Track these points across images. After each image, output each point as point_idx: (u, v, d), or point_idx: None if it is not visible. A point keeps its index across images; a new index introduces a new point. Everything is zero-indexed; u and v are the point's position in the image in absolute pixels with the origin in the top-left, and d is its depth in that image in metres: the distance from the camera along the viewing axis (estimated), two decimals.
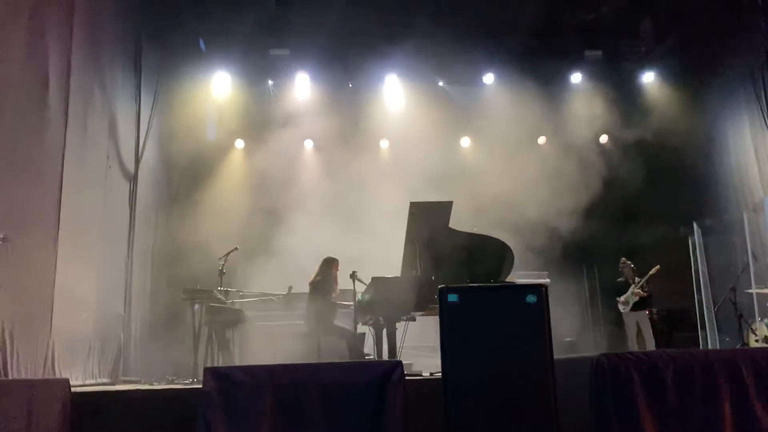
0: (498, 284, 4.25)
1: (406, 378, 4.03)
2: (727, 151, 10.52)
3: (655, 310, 9.71)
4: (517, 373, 3.76)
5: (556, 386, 3.73)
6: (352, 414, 3.81)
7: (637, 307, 9.29)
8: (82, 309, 7.05)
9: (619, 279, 9.59)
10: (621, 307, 9.45)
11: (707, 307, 9.44)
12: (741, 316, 8.67)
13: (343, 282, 7.43)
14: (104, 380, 7.57)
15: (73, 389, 4.44)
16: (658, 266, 9.19)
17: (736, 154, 10.27)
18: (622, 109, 11.35)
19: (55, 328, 6.18)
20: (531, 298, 3.79)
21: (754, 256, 8.63)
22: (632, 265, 9.52)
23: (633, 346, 9.20)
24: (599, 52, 11.60)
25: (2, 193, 5.30)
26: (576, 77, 11.70)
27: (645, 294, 9.26)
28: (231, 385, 3.78)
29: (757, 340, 8.47)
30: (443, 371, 3.88)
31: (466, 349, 3.81)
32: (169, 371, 7.75)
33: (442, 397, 3.80)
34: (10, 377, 5.22)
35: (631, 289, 9.33)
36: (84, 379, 6.96)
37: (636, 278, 9.39)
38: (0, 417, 3.49)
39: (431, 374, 6.16)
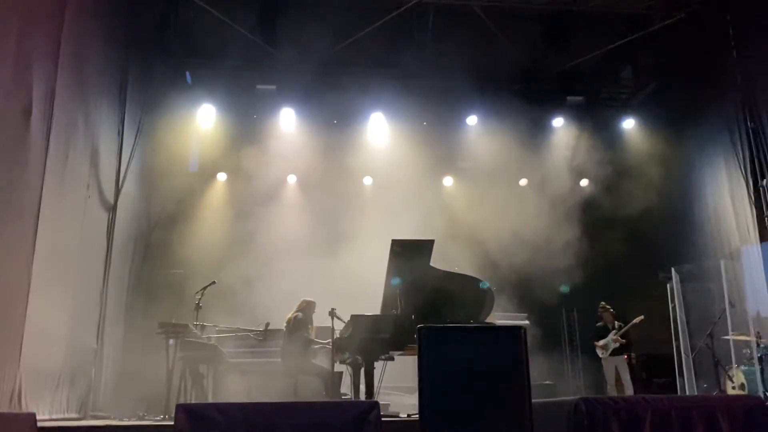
0: (476, 326, 4.21)
1: (383, 419, 3.97)
2: (705, 197, 10.68)
3: (633, 355, 9.71)
4: (495, 416, 3.72)
5: (535, 430, 3.69)
6: None
7: (615, 352, 9.29)
8: (52, 342, 6.88)
9: (598, 324, 9.59)
10: (600, 352, 9.44)
11: (685, 353, 9.46)
12: (718, 362, 8.70)
13: (322, 319, 7.35)
14: (73, 415, 7.36)
15: (39, 424, 4.31)
16: (642, 317, 9.21)
17: (714, 201, 10.44)
18: (602, 154, 11.53)
19: (24, 360, 6.01)
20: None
21: (731, 303, 8.69)
22: (611, 310, 9.54)
23: (612, 390, 9.20)
24: (581, 98, 11.87)
25: None
26: (558, 121, 11.92)
27: (624, 341, 9.26)
28: (203, 424, 3.70)
29: (734, 387, 8.49)
30: (420, 412, 3.83)
31: (443, 390, 3.77)
32: (141, 407, 7.57)
33: None
34: None
35: (610, 335, 9.33)
36: (51, 413, 6.75)
37: (615, 322, 9.39)
38: None
39: (408, 416, 6.08)
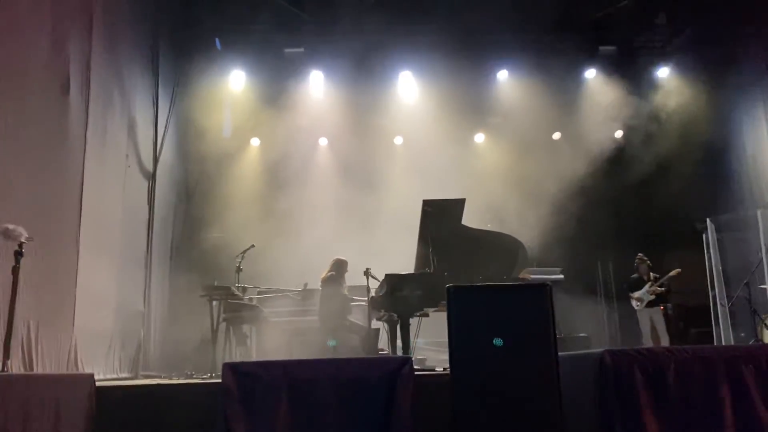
0: (503, 284, 4.32)
1: (417, 373, 4.14)
2: (743, 146, 10.47)
3: (669, 305, 9.68)
4: (522, 370, 3.85)
5: (561, 383, 3.82)
6: (364, 407, 3.93)
7: (651, 303, 9.24)
8: (103, 306, 7.24)
9: (633, 275, 9.53)
10: (635, 304, 9.38)
11: (721, 303, 9.42)
12: (755, 311, 8.66)
13: (357, 278, 7.54)
14: (125, 375, 7.77)
15: (96, 383, 4.60)
16: (679, 269, 9.09)
17: (753, 150, 10.22)
18: (637, 104, 11.32)
19: (77, 324, 6.37)
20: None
21: None
22: (648, 262, 9.42)
23: (647, 342, 9.15)
24: (613, 48, 11.60)
25: (26, 194, 5.47)
26: (590, 73, 11.70)
27: (661, 291, 9.18)
28: (248, 380, 3.92)
29: None
30: (451, 368, 3.98)
31: (472, 348, 3.91)
32: (188, 366, 7.93)
33: (450, 393, 3.91)
34: (35, 371, 5.41)
35: (645, 287, 9.27)
36: (105, 373, 7.14)
37: (651, 275, 9.32)
38: (30, 409, 3.65)
39: (444, 369, 6.26)
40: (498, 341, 3.87)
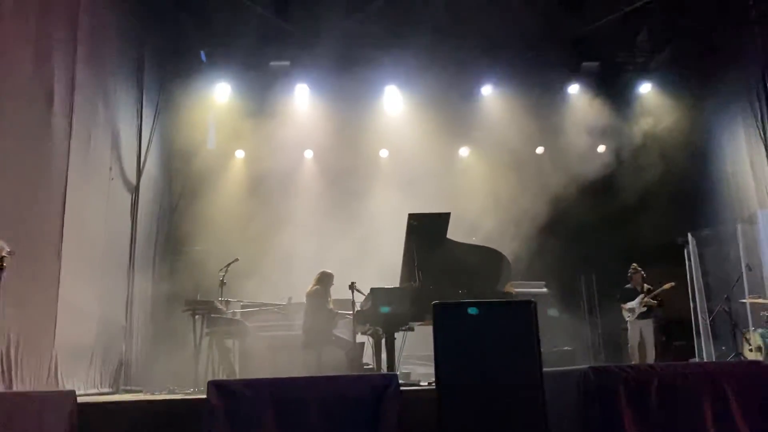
0: (488, 300, 4.33)
1: (403, 388, 4.14)
2: (723, 161, 10.65)
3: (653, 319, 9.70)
4: (508, 386, 3.87)
5: (546, 398, 3.84)
6: (350, 426, 3.92)
7: (642, 316, 9.18)
8: (84, 320, 7.16)
9: (627, 285, 9.40)
10: (626, 315, 9.28)
11: (703, 317, 9.52)
12: (735, 325, 8.77)
13: (342, 292, 7.53)
14: (106, 389, 7.68)
15: (78, 399, 4.55)
16: (673, 283, 9.02)
17: (732, 165, 10.40)
18: (619, 120, 11.48)
19: (58, 338, 6.29)
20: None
21: (748, 267, 8.72)
22: (642, 273, 9.31)
23: (633, 353, 9.14)
24: (596, 64, 11.75)
25: (8, 207, 5.42)
26: (573, 88, 11.82)
27: (655, 304, 9.07)
28: (234, 399, 3.89)
29: (751, 350, 8.57)
30: (437, 384, 3.99)
31: (458, 364, 3.92)
32: (170, 381, 7.84)
33: (436, 409, 3.91)
34: (14, 387, 5.34)
35: (638, 298, 9.21)
36: (86, 388, 7.05)
37: (645, 286, 9.31)
38: (13, 426, 3.61)
39: (429, 383, 6.26)
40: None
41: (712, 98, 10.80)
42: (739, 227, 8.98)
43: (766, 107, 9.45)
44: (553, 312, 9.89)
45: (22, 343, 5.53)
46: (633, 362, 8.85)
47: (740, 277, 8.80)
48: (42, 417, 3.92)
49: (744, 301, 8.77)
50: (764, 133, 9.46)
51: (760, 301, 8.60)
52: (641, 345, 9.17)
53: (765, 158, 9.46)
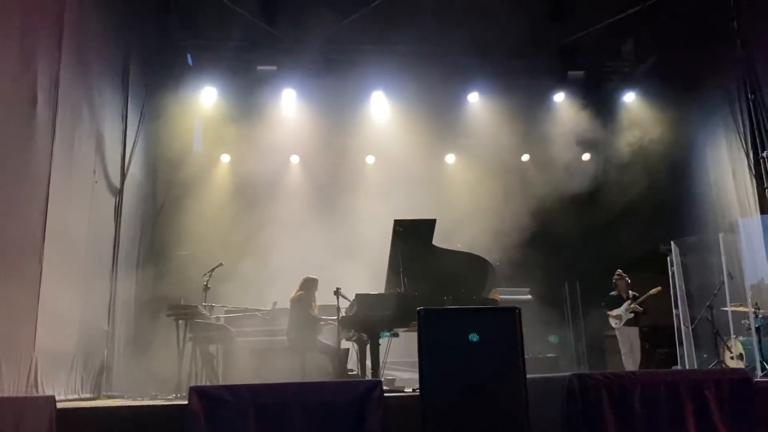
0: (472, 307, 4.34)
1: (387, 394, 4.14)
2: (705, 170, 10.76)
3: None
4: (492, 392, 3.88)
5: (530, 405, 3.85)
6: None
7: (630, 323, 9.14)
8: (65, 324, 7.06)
9: (612, 293, 9.42)
10: (613, 323, 9.26)
11: (685, 324, 9.59)
12: (717, 333, 8.84)
13: (327, 298, 7.51)
14: (87, 395, 7.58)
15: (57, 405, 4.49)
16: (659, 287, 9.07)
17: (714, 174, 10.52)
18: (603, 128, 11.58)
19: (38, 343, 6.19)
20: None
21: (730, 275, 8.79)
22: (627, 279, 9.32)
23: (627, 360, 9.15)
24: (582, 73, 11.86)
25: None
26: (559, 96, 11.92)
27: (641, 310, 9.08)
28: (216, 405, 3.86)
29: (732, 357, 8.64)
30: (421, 390, 3.98)
31: (442, 370, 3.92)
32: (152, 387, 7.77)
33: (420, 415, 3.90)
34: None
35: (625, 305, 9.18)
36: (66, 393, 6.95)
37: (630, 292, 9.28)
38: None
39: (413, 390, 6.25)
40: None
41: (695, 108, 10.93)
42: (721, 236, 9.04)
43: (748, 117, 9.55)
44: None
45: (1, 347, 5.43)
46: (627, 369, 8.87)
47: (722, 285, 8.86)
48: (20, 422, 3.86)
49: (726, 309, 8.85)
50: (746, 143, 9.58)
51: (742, 309, 8.68)
52: (630, 352, 9.19)
53: (746, 168, 9.56)
